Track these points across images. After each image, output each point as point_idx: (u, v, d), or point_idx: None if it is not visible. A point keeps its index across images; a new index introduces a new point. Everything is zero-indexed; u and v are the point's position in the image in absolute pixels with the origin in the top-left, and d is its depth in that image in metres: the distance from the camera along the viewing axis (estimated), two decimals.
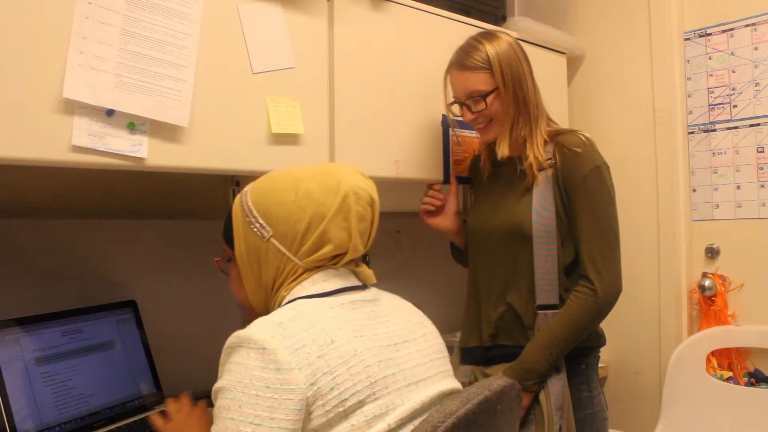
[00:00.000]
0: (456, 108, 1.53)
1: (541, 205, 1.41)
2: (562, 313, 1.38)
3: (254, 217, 1.01)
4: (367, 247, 1.04)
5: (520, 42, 1.53)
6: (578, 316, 1.37)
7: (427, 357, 1.02)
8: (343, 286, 1.00)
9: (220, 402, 0.84)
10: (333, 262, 1.01)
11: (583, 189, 1.39)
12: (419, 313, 1.11)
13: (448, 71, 1.51)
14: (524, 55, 1.47)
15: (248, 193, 1.04)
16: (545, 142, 1.45)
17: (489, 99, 1.43)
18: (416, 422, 0.92)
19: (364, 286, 1.04)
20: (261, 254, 1.01)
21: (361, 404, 0.87)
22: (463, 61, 1.46)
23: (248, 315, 1.08)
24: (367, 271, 1.06)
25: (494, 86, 1.42)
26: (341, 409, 0.85)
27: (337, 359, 0.86)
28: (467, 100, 1.46)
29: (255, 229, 1.01)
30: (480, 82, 1.43)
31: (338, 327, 0.91)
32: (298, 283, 1.00)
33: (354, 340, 0.90)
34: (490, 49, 1.43)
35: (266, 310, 1.03)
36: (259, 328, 0.87)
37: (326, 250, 0.99)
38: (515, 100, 1.44)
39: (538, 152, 1.43)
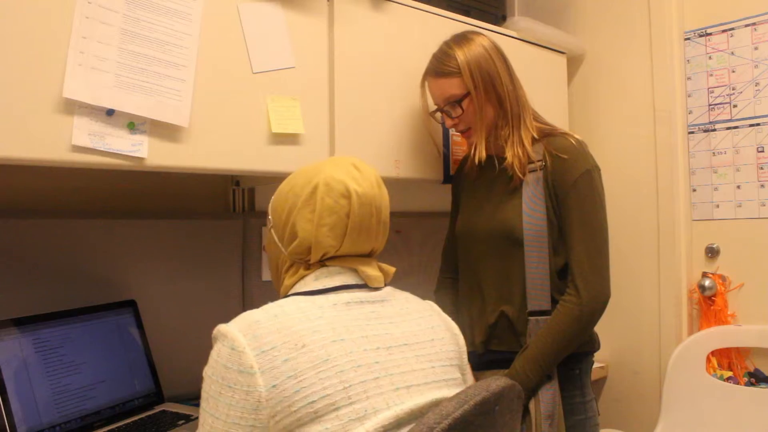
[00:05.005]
0: (438, 116, 1.54)
1: (531, 208, 1.40)
2: (549, 324, 1.36)
3: (268, 208, 1.08)
4: (344, 243, 1.00)
5: (520, 40, 1.53)
6: (565, 326, 1.35)
7: (428, 363, 0.98)
8: (344, 283, 0.99)
9: (202, 389, 0.90)
10: (309, 257, 1.00)
11: (573, 193, 1.37)
12: (436, 317, 1.07)
13: (425, 79, 1.54)
14: (499, 54, 1.47)
15: None
16: (534, 140, 1.44)
17: (464, 103, 1.44)
18: (404, 430, 0.89)
19: (374, 286, 1.01)
20: (269, 243, 1.08)
21: (334, 407, 0.86)
22: (435, 68, 1.48)
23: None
24: (368, 272, 1.01)
25: (467, 90, 1.43)
26: (310, 410, 0.85)
27: (305, 363, 0.86)
28: (446, 106, 1.48)
29: (267, 219, 1.09)
30: (453, 87, 1.44)
31: (316, 330, 0.90)
32: (301, 277, 1.00)
33: (330, 345, 0.89)
34: (460, 53, 1.43)
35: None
36: (237, 323, 0.90)
37: (296, 243, 1.00)
38: (490, 101, 1.44)
39: (521, 152, 1.42)
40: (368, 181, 1.02)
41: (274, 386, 0.85)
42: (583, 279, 1.35)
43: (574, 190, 1.38)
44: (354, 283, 1.00)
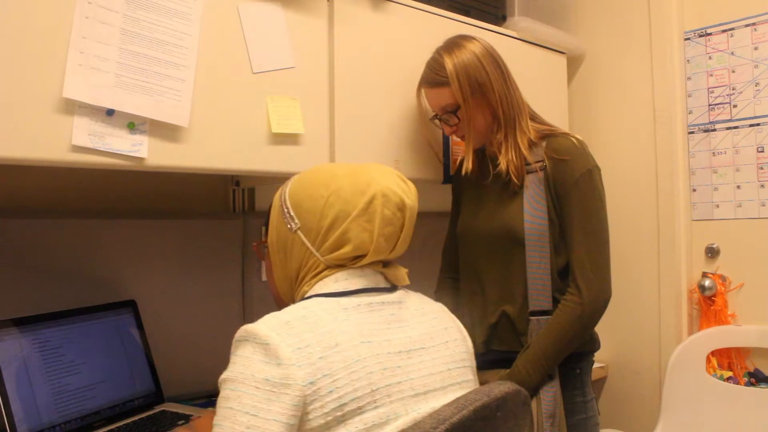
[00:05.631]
0: (438, 122, 1.55)
1: (532, 208, 1.40)
2: (551, 324, 1.37)
3: (287, 208, 1.03)
4: (395, 251, 1.02)
5: (520, 40, 1.53)
6: (567, 326, 1.35)
7: (444, 366, 0.99)
8: (364, 286, 0.99)
9: (223, 392, 0.85)
10: (354, 262, 1.00)
11: (574, 193, 1.38)
12: (448, 318, 1.08)
13: (420, 88, 1.55)
14: (491, 59, 1.45)
15: (289, 183, 1.07)
16: (532, 144, 1.44)
17: (460, 113, 1.45)
18: None
19: (391, 288, 1.02)
20: (288, 245, 1.03)
21: (360, 411, 0.86)
22: (427, 78, 1.49)
23: (276, 301, 1.10)
24: (397, 272, 1.03)
25: (463, 98, 1.43)
26: (339, 413, 0.84)
27: (339, 363, 0.86)
28: (443, 115, 1.49)
29: (286, 220, 1.03)
30: (445, 96, 1.45)
31: (345, 330, 0.89)
32: (320, 279, 0.99)
33: (360, 345, 0.89)
34: (449, 62, 1.43)
35: (291, 300, 1.05)
36: (266, 323, 0.87)
37: (346, 249, 0.98)
38: (481, 109, 1.44)
39: (515, 156, 1.42)
40: (414, 195, 1.04)
41: (311, 383, 0.84)
42: (585, 279, 1.36)
43: (575, 190, 1.38)
44: (373, 286, 1.00)
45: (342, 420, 0.84)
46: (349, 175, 1.02)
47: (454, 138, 1.73)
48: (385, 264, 1.04)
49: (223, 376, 0.87)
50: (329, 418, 0.84)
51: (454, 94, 1.44)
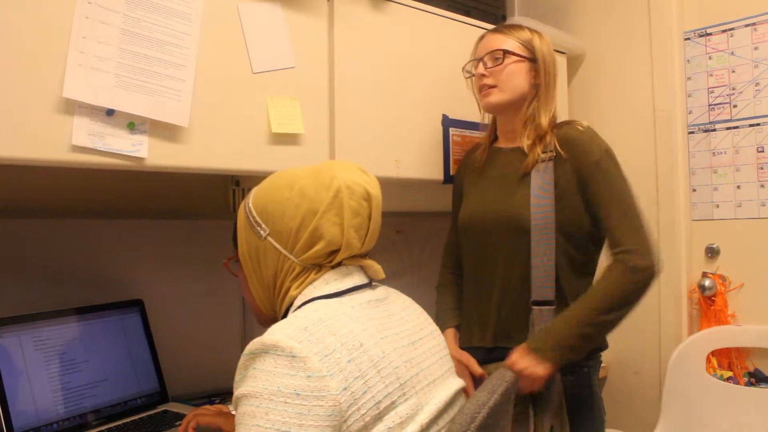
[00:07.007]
0: (471, 67, 1.55)
1: (539, 197, 1.40)
2: (599, 290, 1.33)
3: (253, 217, 1.02)
4: (365, 243, 1.02)
5: None
6: (619, 291, 1.31)
7: (437, 355, 1.03)
8: (355, 284, 0.99)
9: (245, 409, 0.82)
10: (329, 259, 1.00)
11: (599, 173, 1.39)
12: (422, 309, 1.11)
13: (482, 36, 1.55)
14: (555, 62, 1.54)
15: (251, 194, 1.06)
16: (550, 130, 1.47)
17: (508, 58, 1.47)
18: (440, 422, 0.94)
19: (370, 284, 1.03)
20: (260, 253, 1.01)
21: (393, 406, 0.87)
22: (500, 27, 1.54)
23: (257, 317, 1.10)
24: (375, 266, 1.04)
25: (518, 52, 1.47)
26: (376, 412, 0.85)
27: (367, 362, 0.86)
28: (486, 55, 1.49)
29: (254, 229, 1.02)
30: (507, 44, 1.49)
31: (364, 328, 0.90)
32: (310, 282, 0.99)
33: (381, 341, 0.90)
34: (527, 30, 1.51)
35: (273, 311, 1.04)
36: (284, 333, 0.84)
37: (319, 246, 0.98)
38: (530, 74, 1.48)
39: (543, 123, 1.46)
40: (376, 185, 1.05)
41: (345, 389, 0.82)
42: (631, 249, 1.32)
43: (598, 170, 1.39)
44: (359, 283, 1.01)
45: (379, 417, 0.85)
46: (310, 173, 1.02)
47: (455, 138, 1.73)
48: (362, 258, 1.05)
49: (243, 391, 0.83)
50: (367, 418, 0.84)
51: (516, 46, 1.48)
